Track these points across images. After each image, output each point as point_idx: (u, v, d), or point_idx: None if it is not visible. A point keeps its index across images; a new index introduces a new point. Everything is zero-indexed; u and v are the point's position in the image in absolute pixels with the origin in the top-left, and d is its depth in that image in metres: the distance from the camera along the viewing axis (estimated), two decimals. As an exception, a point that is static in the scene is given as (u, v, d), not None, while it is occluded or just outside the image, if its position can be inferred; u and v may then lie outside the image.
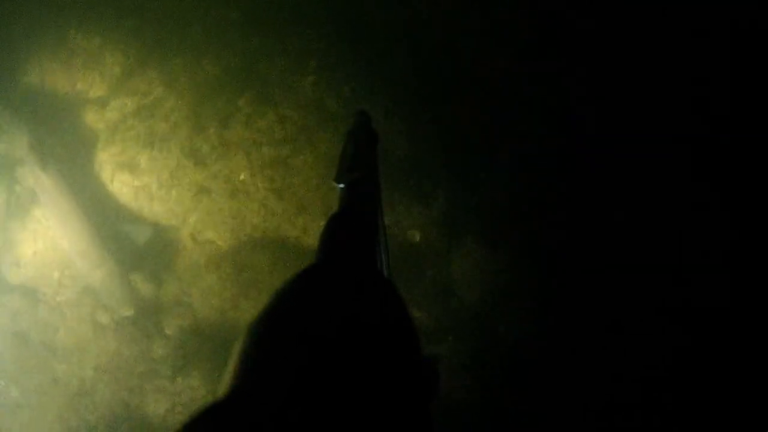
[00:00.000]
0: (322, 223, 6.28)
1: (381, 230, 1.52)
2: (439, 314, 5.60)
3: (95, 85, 6.25)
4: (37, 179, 5.75)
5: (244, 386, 0.68)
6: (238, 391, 0.67)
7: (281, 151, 5.92)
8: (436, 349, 6.09)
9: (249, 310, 5.88)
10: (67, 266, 5.91)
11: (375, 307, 0.84)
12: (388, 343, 0.77)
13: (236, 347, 0.77)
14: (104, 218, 5.88)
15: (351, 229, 1.27)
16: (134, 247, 5.98)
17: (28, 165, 5.89)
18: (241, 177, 6.03)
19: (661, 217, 5.57)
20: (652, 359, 5.30)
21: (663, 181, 5.62)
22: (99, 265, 5.56)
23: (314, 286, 0.87)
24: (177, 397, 5.59)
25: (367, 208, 1.44)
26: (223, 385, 0.72)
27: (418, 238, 6.31)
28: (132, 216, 6.06)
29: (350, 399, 0.64)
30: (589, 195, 5.60)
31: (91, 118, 6.21)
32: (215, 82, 6.09)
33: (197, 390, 5.49)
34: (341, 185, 1.43)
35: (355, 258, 1.08)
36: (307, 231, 6.07)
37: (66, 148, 6.19)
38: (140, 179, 6.07)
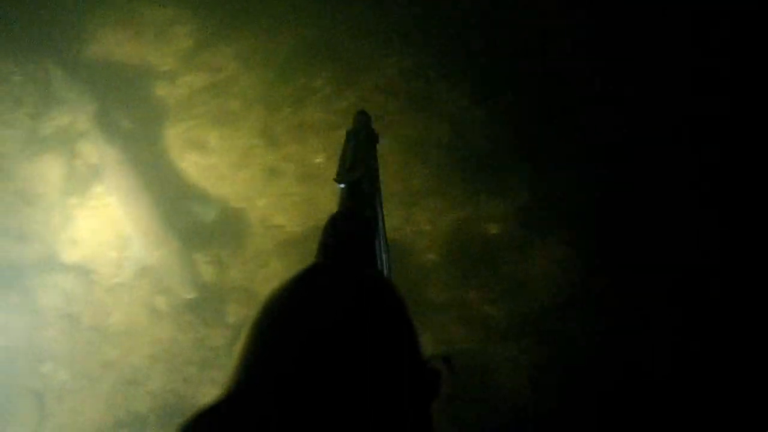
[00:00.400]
0: (399, 212, 5.90)
1: (381, 230, 1.55)
2: (512, 311, 5.48)
3: (165, 58, 5.99)
4: (101, 154, 5.44)
5: (243, 386, 0.70)
6: (237, 392, 0.69)
7: None
8: (506, 347, 5.76)
9: None
10: (126, 246, 5.58)
11: (374, 307, 0.86)
12: (386, 344, 0.80)
13: (237, 347, 0.79)
14: (169, 197, 5.55)
15: (351, 230, 1.29)
16: (199, 229, 5.66)
17: (92, 139, 5.59)
18: (317, 160, 5.66)
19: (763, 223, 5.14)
20: (735, 360, 4.85)
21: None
22: (160, 246, 5.23)
23: (314, 286, 0.90)
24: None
25: (367, 208, 1.46)
26: (223, 385, 0.72)
27: (495, 230, 6.01)
28: (198, 196, 5.74)
29: (349, 399, 0.66)
30: (679, 196, 5.20)
31: (160, 92, 5.93)
32: (292, 60, 5.79)
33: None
34: (342, 185, 1.43)
35: (355, 258, 1.11)
36: (385, 219, 5.48)
37: (132, 123, 5.88)
38: (209, 158, 5.77)
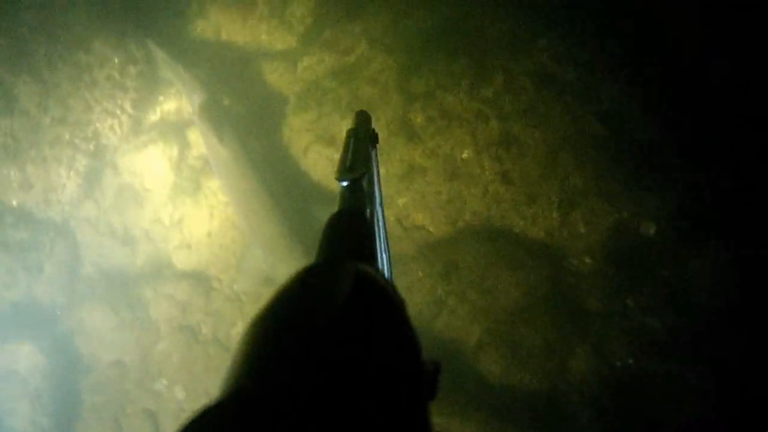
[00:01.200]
0: (555, 214, 5.21)
1: (382, 230, 1.58)
2: (673, 323, 5.23)
3: (283, 37, 5.36)
4: (213, 146, 4.89)
5: (242, 387, 0.70)
6: (236, 392, 0.69)
7: (511, 127, 5.04)
8: (669, 364, 5.31)
9: (455, 321, 5.45)
10: (247, 249, 5.03)
11: (373, 308, 0.84)
12: (385, 345, 0.79)
13: (235, 348, 0.80)
14: (292, 197, 5.12)
15: (351, 229, 1.27)
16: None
17: (202, 128, 4.99)
18: (464, 155, 5.15)
19: None
20: None
21: None
22: (284, 258, 5.32)
23: (313, 286, 0.87)
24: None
25: (367, 208, 1.46)
26: (222, 386, 0.74)
27: (652, 231, 5.59)
28: (326, 197, 5.20)
29: (348, 399, 0.66)
30: None
31: (279, 76, 5.37)
32: (433, 40, 5.24)
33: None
34: (343, 183, 1.45)
35: (355, 258, 1.05)
36: (537, 222, 5.65)
37: (246, 111, 5.31)
38: (339, 152, 5.14)
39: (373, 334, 0.80)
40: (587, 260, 5.63)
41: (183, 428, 0.65)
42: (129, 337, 5.70)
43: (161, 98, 5.75)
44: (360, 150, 1.59)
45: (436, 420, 4.96)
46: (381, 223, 1.60)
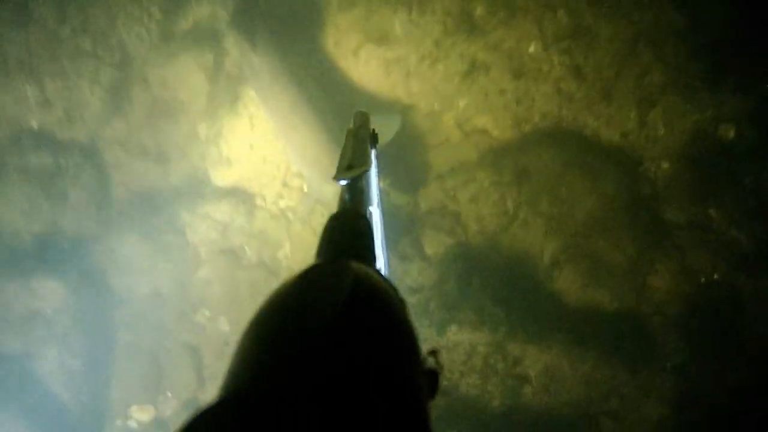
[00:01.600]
0: (633, 113, 4.54)
1: (381, 230, 1.68)
2: (760, 235, 4.85)
3: None
4: (250, 52, 4.35)
5: (242, 387, 0.73)
6: (237, 392, 0.72)
7: (582, 17, 4.53)
8: (755, 280, 4.92)
9: (526, 235, 5.08)
10: (291, 164, 4.55)
11: (373, 309, 0.87)
12: (385, 345, 0.83)
13: (235, 346, 0.85)
14: (341, 102, 5.18)
15: (351, 230, 1.33)
16: (381, 142, 4.65)
17: (238, 33, 4.50)
18: (530, 49, 5.36)
19: None
20: None
21: None
22: (332, 165, 4.13)
23: (313, 286, 0.89)
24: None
25: (367, 207, 1.57)
26: (221, 385, 0.78)
27: (732, 134, 5.19)
28: (380, 100, 5.44)
29: (347, 400, 0.68)
30: None
31: None
32: None
33: (461, 345, 4.71)
34: (342, 182, 1.52)
35: (355, 259, 1.08)
36: (611, 122, 5.26)
37: (286, 12, 4.82)
38: (392, 51, 4.77)
39: (373, 335, 0.82)
40: (665, 165, 5.29)
41: (183, 428, 0.67)
42: (165, 266, 5.25)
43: (192, 3, 5.25)
44: (360, 149, 1.60)
45: (511, 347, 4.66)
46: (381, 223, 1.69)
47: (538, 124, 5.37)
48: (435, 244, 5.29)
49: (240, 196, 5.48)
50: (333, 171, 3.86)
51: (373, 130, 1.79)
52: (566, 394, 4.70)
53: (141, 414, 5.36)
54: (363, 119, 1.79)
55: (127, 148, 5.65)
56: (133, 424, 5.34)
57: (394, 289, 1.00)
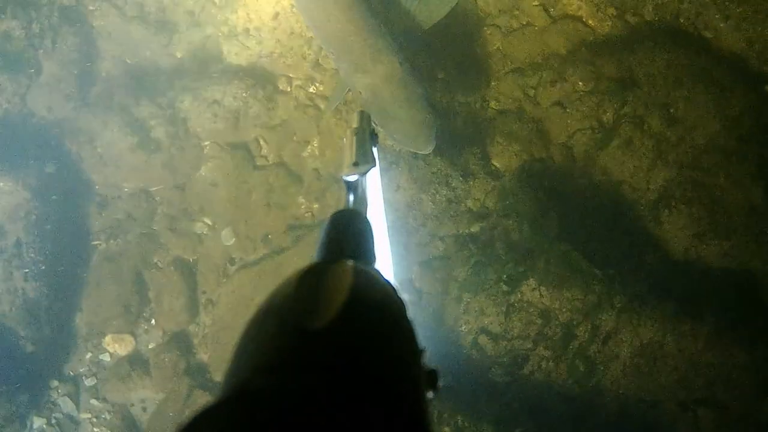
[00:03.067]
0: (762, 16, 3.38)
1: (383, 229, 1.78)
2: None
3: None
4: None
5: (242, 387, 0.76)
6: (237, 392, 0.74)
7: None
8: None
9: (628, 160, 4.25)
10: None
11: (373, 309, 0.92)
12: (385, 346, 0.86)
13: (235, 346, 0.89)
14: None
15: (352, 229, 1.37)
16: (434, 16, 4.16)
17: None
18: None
19: None
20: None
21: None
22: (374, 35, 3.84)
23: (313, 286, 0.93)
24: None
25: (368, 206, 1.64)
26: (222, 384, 0.84)
27: None
28: None
29: (346, 401, 0.71)
30: None
31: None
32: None
33: (534, 307, 3.98)
34: (348, 179, 1.60)
35: (355, 258, 1.15)
36: (741, 26, 4.33)
37: None
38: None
39: (372, 336, 0.86)
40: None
41: (183, 427, 0.69)
42: (158, 160, 4.31)
43: None
44: (364, 147, 1.70)
45: (603, 318, 3.94)
46: (383, 222, 1.83)
47: (648, 18, 4.50)
48: (506, 157, 4.44)
49: (258, 77, 4.68)
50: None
51: (373, 129, 1.88)
52: (663, 377, 4.01)
53: (116, 346, 4.70)
54: (365, 118, 1.90)
55: (123, 11, 4.76)
56: (105, 357, 4.59)
57: (395, 290, 1.03)
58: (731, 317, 4.08)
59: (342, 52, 3.76)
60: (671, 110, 4.35)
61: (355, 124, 1.85)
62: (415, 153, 4.15)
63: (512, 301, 4.15)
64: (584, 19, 4.62)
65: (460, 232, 4.27)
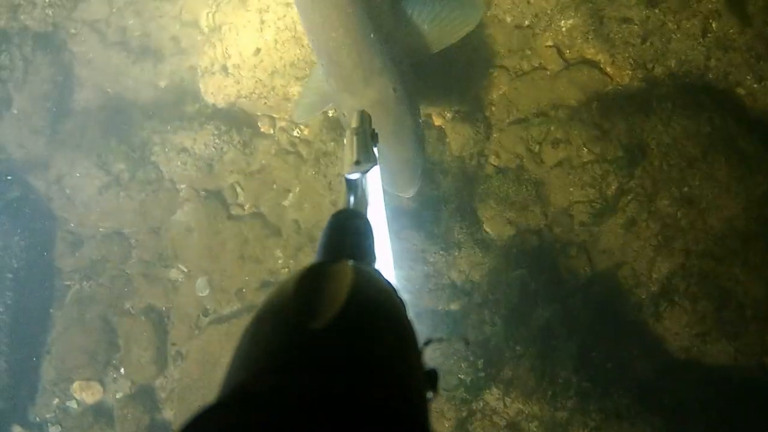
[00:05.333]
0: None
1: (384, 229, 1.89)
2: None
3: None
4: None
5: (242, 387, 0.79)
6: (237, 393, 0.77)
7: None
8: None
9: (629, 243, 4.09)
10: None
11: (372, 310, 0.97)
12: (385, 344, 0.91)
13: (235, 345, 0.95)
14: None
15: (352, 230, 1.45)
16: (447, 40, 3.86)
17: None
18: None
19: None
20: None
21: None
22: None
23: (313, 287, 0.98)
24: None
25: (369, 205, 1.74)
26: (222, 384, 0.87)
27: None
28: None
29: (347, 398, 0.74)
30: None
31: None
32: None
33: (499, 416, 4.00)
34: (350, 178, 1.71)
35: (355, 259, 1.23)
36: None
37: None
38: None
39: (372, 336, 0.91)
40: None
41: (184, 428, 0.73)
42: (129, 204, 4.30)
43: None
44: (364, 147, 1.81)
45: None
46: (383, 222, 1.92)
47: (672, 72, 4.20)
48: (500, 224, 4.19)
49: (236, 119, 4.47)
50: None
51: (373, 129, 1.96)
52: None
53: (84, 393, 4.76)
54: (365, 118, 1.98)
55: (105, 36, 4.76)
56: (73, 405, 4.69)
57: (395, 289, 1.07)
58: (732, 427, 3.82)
59: (332, 65, 3.51)
60: (684, 189, 4.01)
61: (355, 124, 1.92)
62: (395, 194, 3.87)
63: (474, 408, 3.96)
64: (602, 66, 4.28)
65: (439, 308, 4.08)
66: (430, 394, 0.98)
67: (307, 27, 3.79)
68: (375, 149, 1.92)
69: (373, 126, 3.53)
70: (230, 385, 0.85)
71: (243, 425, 0.71)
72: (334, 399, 0.74)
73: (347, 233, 1.41)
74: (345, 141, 1.91)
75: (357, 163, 1.71)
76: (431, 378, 1.00)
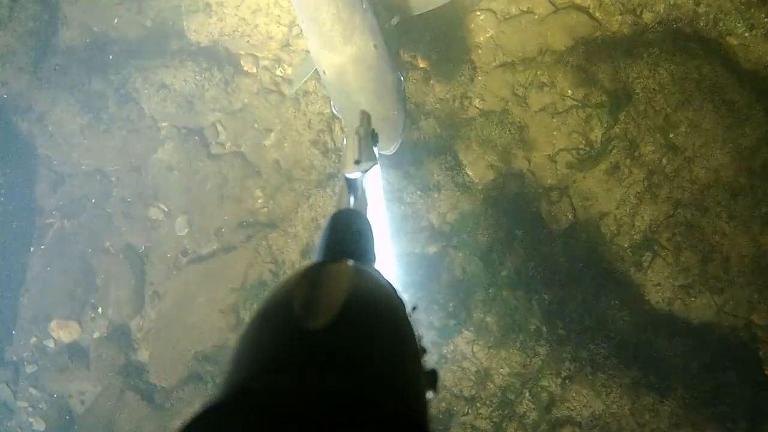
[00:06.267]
0: None
1: (384, 228, 1.92)
2: None
3: None
4: None
5: (242, 388, 0.82)
6: (237, 393, 0.79)
7: None
8: None
9: (616, 190, 4.12)
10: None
11: (372, 309, 0.98)
12: (384, 344, 0.93)
13: (235, 345, 0.96)
14: None
15: (351, 229, 1.48)
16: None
17: None
18: None
19: None
20: None
21: None
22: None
23: (313, 287, 1.00)
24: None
25: (369, 205, 1.79)
26: (221, 384, 0.89)
27: None
28: None
29: (347, 398, 0.76)
30: None
31: None
32: None
33: (469, 362, 3.98)
34: (351, 176, 1.75)
35: (355, 258, 1.24)
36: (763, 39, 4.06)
37: None
38: None
39: (372, 336, 0.92)
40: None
41: (183, 427, 0.74)
42: (110, 141, 4.37)
43: None
44: (365, 146, 1.86)
45: (545, 385, 3.87)
46: (384, 221, 1.96)
47: (660, 18, 4.15)
48: (481, 167, 4.18)
49: (218, 57, 4.48)
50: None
51: (373, 129, 2.01)
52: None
53: (62, 332, 4.78)
54: (366, 118, 2.02)
55: None
56: (50, 344, 4.74)
57: (395, 289, 1.08)
58: (706, 390, 3.76)
59: (311, 23, 3.48)
60: (670, 135, 3.99)
61: (356, 123, 1.96)
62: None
63: (443, 352, 3.97)
64: (591, 11, 4.25)
65: (416, 251, 4.06)
66: (430, 394, 1.00)
67: None
68: (375, 149, 1.95)
69: (354, 83, 3.50)
70: (230, 385, 0.87)
71: (242, 426, 0.72)
72: (334, 399, 0.75)
73: (347, 233, 1.44)
74: (345, 140, 1.95)
75: (357, 162, 1.74)
76: (431, 378, 1.02)
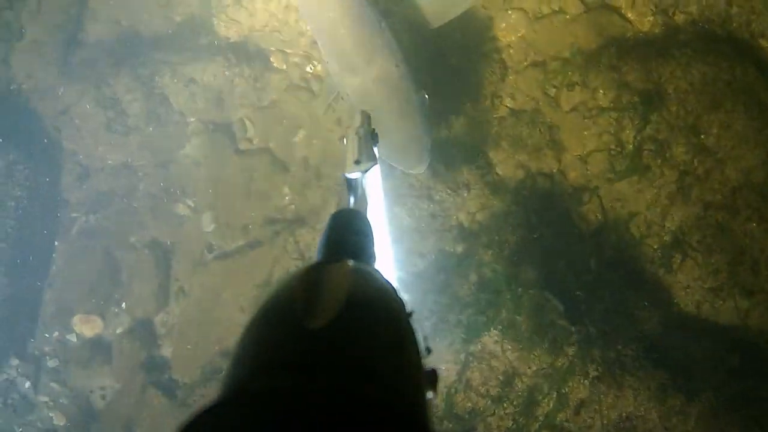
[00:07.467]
0: None
1: (384, 228, 2.11)
2: None
3: None
4: None
5: (243, 387, 0.86)
6: (238, 393, 0.83)
7: None
8: None
9: (647, 191, 4.19)
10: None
11: (373, 307, 1.02)
12: (384, 344, 0.95)
13: (236, 345, 0.98)
14: None
15: (352, 229, 1.53)
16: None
17: None
18: None
19: None
20: None
21: None
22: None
23: (313, 286, 1.03)
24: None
25: (367, 204, 1.82)
26: (222, 384, 0.91)
27: None
28: None
29: (347, 398, 0.78)
30: None
31: None
32: None
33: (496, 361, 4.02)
34: (351, 176, 1.78)
35: (355, 257, 1.34)
36: None
37: None
38: None
39: (372, 335, 0.96)
40: None
41: (184, 427, 0.77)
42: (135, 138, 4.45)
43: None
44: (365, 146, 1.92)
45: (572, 386, 3.92)
46: (384, 221, 2.12)
47: (693, 19, 4.27)
48: (511, 166, 4.30)
49: (248, 52, 4.63)
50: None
51: (373, 129, 2.01)
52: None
53: (84, 327, 4.85)
54: (366, 118, 2.03)
55: None
56: (72, 338, 4.82)
57: (395, 289, 1.11)
58: (734, 394, 3.78)
59: (331, 46, 3.60)
60: (702, 136, 4.04)
61: (356, 124, 2.03)
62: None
63: (471, 350, 3.99)
64: (622, 11, 4.34)
65: (445, 249, 4.12)
66: (430, 394, 1.03)
67: (304, 12, 3.92)
68: (375, 149, 2.01)
69: (379, 104, 3.53)
70: (230, 384, 0.89)
71: (242, 425, 0.74)
72: (334, 399, 0.77)
73: (347, 233, 1.50)
74: (346, 140, 2.02)
75: (357, 162, 1.81)
76: (431, 378, 1.05)
